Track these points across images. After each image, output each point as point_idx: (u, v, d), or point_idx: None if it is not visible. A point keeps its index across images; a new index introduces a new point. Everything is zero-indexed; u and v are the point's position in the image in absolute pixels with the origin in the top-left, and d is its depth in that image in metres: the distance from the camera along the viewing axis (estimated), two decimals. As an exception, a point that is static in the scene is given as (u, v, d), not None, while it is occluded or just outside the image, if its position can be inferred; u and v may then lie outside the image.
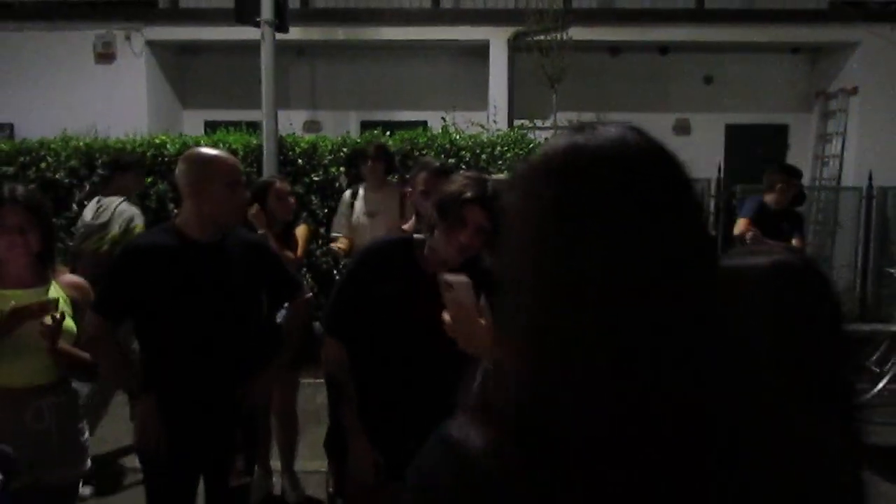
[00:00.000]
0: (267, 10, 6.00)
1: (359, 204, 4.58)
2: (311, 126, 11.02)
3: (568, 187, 0.73)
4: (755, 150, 10.85)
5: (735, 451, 0.68)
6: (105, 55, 10.03)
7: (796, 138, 10.97)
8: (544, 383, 0.69)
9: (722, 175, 7.06)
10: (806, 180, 10.25)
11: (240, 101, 10.40)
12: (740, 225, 4.79)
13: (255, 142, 6.55)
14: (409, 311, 2.37)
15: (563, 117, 10.43)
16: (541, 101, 9.57)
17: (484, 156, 6.42)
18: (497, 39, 9.89)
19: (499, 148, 6.48)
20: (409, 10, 10.00)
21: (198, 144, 6.60)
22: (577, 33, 9.53)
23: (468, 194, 2.31)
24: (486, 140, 6.57)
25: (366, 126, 10.74)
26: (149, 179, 6.26)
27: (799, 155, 10.80)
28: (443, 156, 6.35)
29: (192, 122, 11.09)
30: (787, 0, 9.99)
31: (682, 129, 10.97)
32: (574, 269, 0.70)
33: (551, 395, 0.68)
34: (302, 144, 6.56)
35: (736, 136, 10.95)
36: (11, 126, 10.12)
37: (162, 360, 2.58)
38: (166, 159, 6.43)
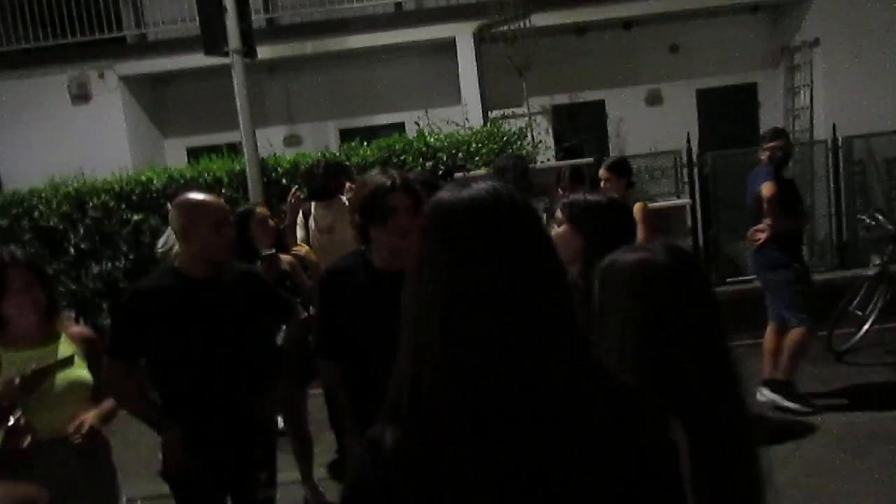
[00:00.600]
0: (234, 40, 6.18)
1: (311, 221, 4.80)
2: (291, 141, 11.21)
3: (429, 234, 0.99)
4: (727, 113, 11.06)
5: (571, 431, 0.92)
6: (81, 96, 10.18)
7: (766, 95, 11.16)
8: (418, 385, 0.91)
9: (690, 145, 7.25)
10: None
11: (218, 125, 10.56)
12: (768, 188, 4.87)
13: (237, 167, 6.74)
14: (379, 317, 2.56)
15: (537, 103, 10.67)
16: (512, 90, 9.75)
17: (461, 154, 6.62)
18: (462, 35, 10.05)
19: (474, 145, 6.67)
20: (373, 16, 10.15)
21: (184, 178, 6.79)
22: (541, 19, 9.70)
23: (387, 184, 2.49)
24: (460, 138, 6.76)
25: (345, 134, 10.92)
26: (139, 216, 6.45)
27: (770, 111, 11.02)
28: (421, 159, 6.55)
29: (174, 151, 11.26)
30: (741, -38, 10.18)
31: (654, 99, 11.16)
32: (427, 297, 0.95)
33: (423, 393, 0.91)
34: (284, 164, 6.74)
35: (707, 101, 11.15)
36: (-2, 175, 10.29)
37: (177, 391, 2.80)
38: (155, 194, 6.62)
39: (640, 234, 4.78)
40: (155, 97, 11.20)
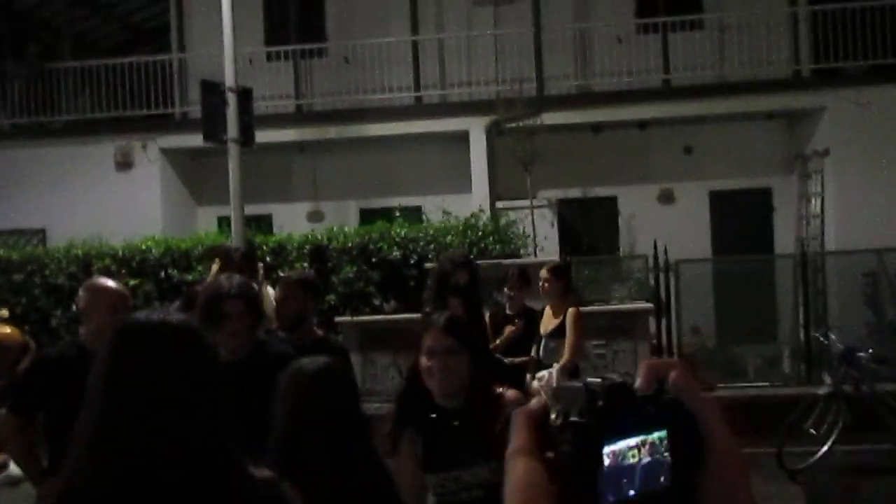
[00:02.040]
0: (233, 129, 6.81)
1: None
2: (314, 216, 11.82)
3: (115, 348, 1.35)
4: (741, 216, 11.10)
5: None
6: (124, 164, 11.12)
7: (781, 200, 11.17)
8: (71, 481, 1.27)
9: (657, 250, 7.38)
10: (792, 240, 10.50)
11: (248, 197, 11.29)
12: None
13: (229, 241, 7.26)
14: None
15: (546, 195, 11.02)
16: (520, 182, 10.13)
17: (433, 246, 6.97)
18: (475, 128, 10.57)
19: (449, 237, 7.02)
20: (392, 107, 10.81)
21: (179, 249, 7.37)
22: (554, 117, 10.15)
23: (223, 291, 2.86)
24: (436, 231, 7.12)
25: (365, 213, 11.50)
26: (136, 281, 7.02)
27: (784, 217, 11.01)
28: (396, 248, 6.94)
29: (207, 218, 12.05)
30: (754, 70, 10.42)
31: (667, 198, 11.32)
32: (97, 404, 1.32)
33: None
34: (270, 243, 7.24)
35: (720, 203, 11.23)
36: (44, 231, 11.23)
37: (64, 453, 3.15)
38: (152, 262, 7.21)
39: (570, 338, 4.97)
40: (192, 168, 12.08)
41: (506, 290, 5.27)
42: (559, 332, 4.95)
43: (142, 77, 11.24)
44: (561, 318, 4.98)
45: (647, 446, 0.64)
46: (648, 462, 0.64)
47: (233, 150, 6.79)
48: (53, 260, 7.47)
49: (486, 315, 5.12)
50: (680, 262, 7.13)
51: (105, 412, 1.30)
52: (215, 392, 1.38)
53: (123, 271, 7.27)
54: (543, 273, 5.17)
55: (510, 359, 4.90)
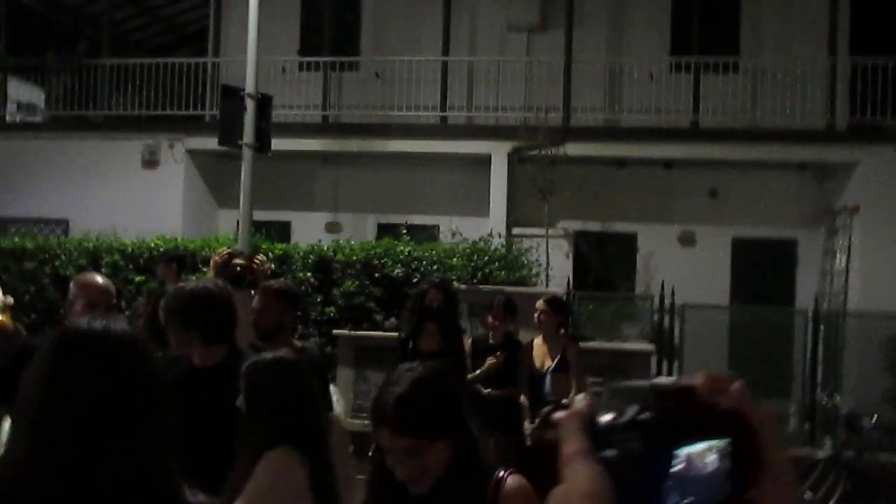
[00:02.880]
0: (249, 135, 6.84)
1: None
2: (332, 227, 11.84)
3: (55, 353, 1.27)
4: (763, 265, 10.85)
5: None
6: (150, 162, 11.28)
7: (806, 253, 10.89)
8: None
9: (664, 291, 7.17)
10: (812, 295, 10.21)
11: (270, 203, 11.38)
12: None
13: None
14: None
15: (564, 226, 10.90)
16: (540, 210, 10.03)
17: (436, 266, 6.90)
18: (498, 153, 10.52)
19: (455, 259, 6.94)
20: (418, 125, 10.82)
21: (186, 249, 7.40)
22: (578, 148, 10.06)
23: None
24: (442, 252, 7.05)
25: (382, 228, 11.48)
26: (142, 277, 7.06)
27: (808, 270, 10.72)
28: (400, 265, 6.89)
29: (227, 221, 12.13)
30: (787, 119, 10.22)
31: (687, 240, 11.12)
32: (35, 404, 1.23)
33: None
34: (275, 251, 7.23)
35: (743, 250, 10.98)
36: (67, 222, 11.40)
37: None
38: (156, 259, 7.24)
39: (577, 372, 4.87)
40: (216, 171, 12.21)
41: (490, 318, 5.09)
42: (562, 366, 4.82)
43: (175, 78, 11.42)
44: (559, 352, 4.86)
45: (714, 452, 0.64)
46: (715, 469, 0.63)
47: (247, 154, 6.82)
48: (65, 251, 7.54)
49: (469, 341, 5.03)
50: (687, 306, 6.94)
51: (38, 425, 1.21)
52: (157, 410, 1.30)
53: (130, 266, 7.32)
54: (540, 304, 5.02)
55: (489, 390, 4.75)
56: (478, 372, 4.76)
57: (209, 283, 3.06)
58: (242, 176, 6.99)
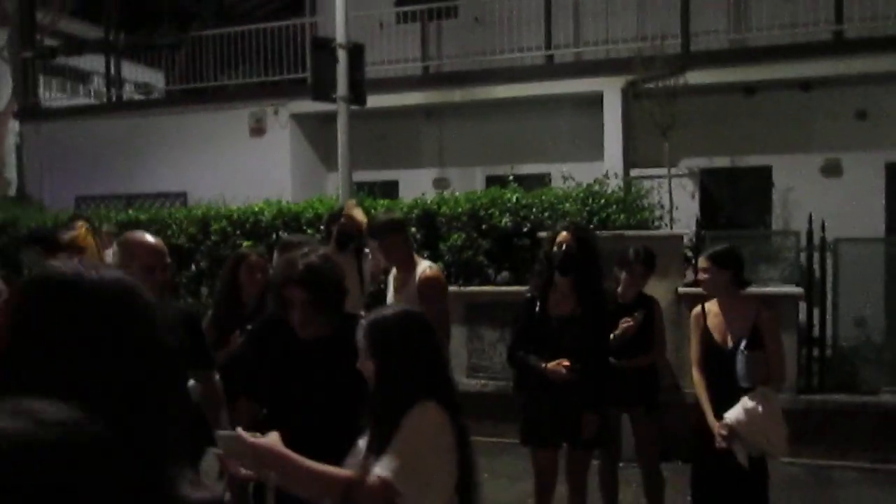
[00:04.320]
0: (342, 87, 6.54)
1: None
2: (440, 183, 11.50)
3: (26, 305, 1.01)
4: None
5: None
6: (257, 129, 11.34)
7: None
8: None
9: (812, 226, 6.21)
10: None
11: (378, 163, 11.21)
12: None
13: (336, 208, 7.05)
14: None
15: (691, 164, 9.98)
16: (661, 148, 9.22)
17: (547, 214, 6.38)
18: (610, 90, 9.73)
19: (567, 205, 6.39)
20: (522, 67, 10.19)
21: (292, 213, 7.28)
22: (701, 76, 9.12)
23: (286, 275, 2.56)
24: (552, 198, 6.52)
25: (491, 180, 11.01)
26: (249, 243, 7.00)
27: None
28: (508, 215, 6.42)
29: (336, 184, 12.06)
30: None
31: (832, 170, 9.91)
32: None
33: None
34: (378, 208, 6.94)
35: (899, 176, 9.67)
36: (185, 194, 11.73)
37: None
38: (264, 225, 7.17)
39: (774, 348, 3.70)
40: (322, 134, 12.13)
41: (623, 273, 4.25)
42: (756, 340, 3.57)
43: (276, 43, 11.35)
44: (750, 321, 3.62)
45: None
46: None
47: (342, 108, 6.53)
48: (175, 221, 7.62)
49: None
50: (840, 241, 6.05)
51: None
52: (147, 378, 1.01)
53: (238, 232, 7.29)
54: (703, 262, 3.79)
55: (624, 361, 4.10)
56: (610, 337, 4.01)
57: (321, 256, 2.72)
58: (339, 131, 6.72)
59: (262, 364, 2.76)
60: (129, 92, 13.68)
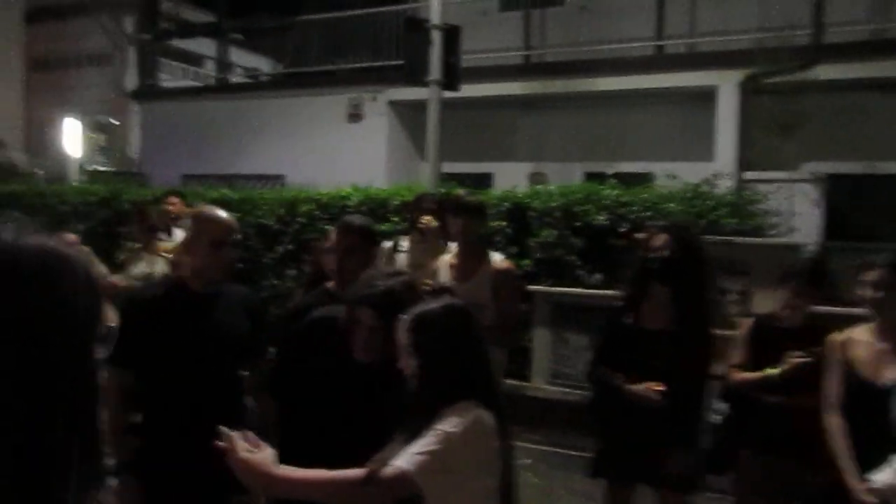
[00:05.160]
0: (435, 71, 6.25)
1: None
2: (535, 178, 11.07)
3: None
4: None
5: None
6: (355, 115, 11.29)
7: None
8: None
9: None
10: None
11: (472, 154, 10.92)
12: None
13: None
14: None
15: (815, 168, 9.09)
16: (780, 149, 8.44)
17: (649, 213, 5.87)
18: (726, 84, 9.00)
19: (671, 205, 5.86)
20: (630, 58, 9.60)
21: (377, 199, 7.09)
22: (833, 71, 8.27)
23: (361, 294, 2.33)
24: (655, 197, 6.01)
25: (590, 177, 10.48)
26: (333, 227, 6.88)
27: None
28: (605, 212, 5.97)
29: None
30: None
31: (981, 180, 8.79)
32: None
33: None
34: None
35: None
36: (283, 176, 11.85)
37: (160, 406, 2.77)
38: (350, 210, 7.01)
39: None
40: (418, 122, 11.94)
41: (788, 294, 3.36)
42: None
43: (378, 29, 11.26)
44: None
45: None
46: None
47: (433, 93, 6.24)
48: (265, 202, 7.60)
49: (749, 323, 3.50)
50: None
51: None
52: (51, 373, 0.81)
53: (325, 216, 7.18)
54: (873, 275, 2.92)
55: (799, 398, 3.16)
56: (774, 371, 3.20)
57: (403, 284, 2.45)
58: (429, 116, 6.45)
59: (301, 369, 2.54)
60: (237, 76, 14.00)
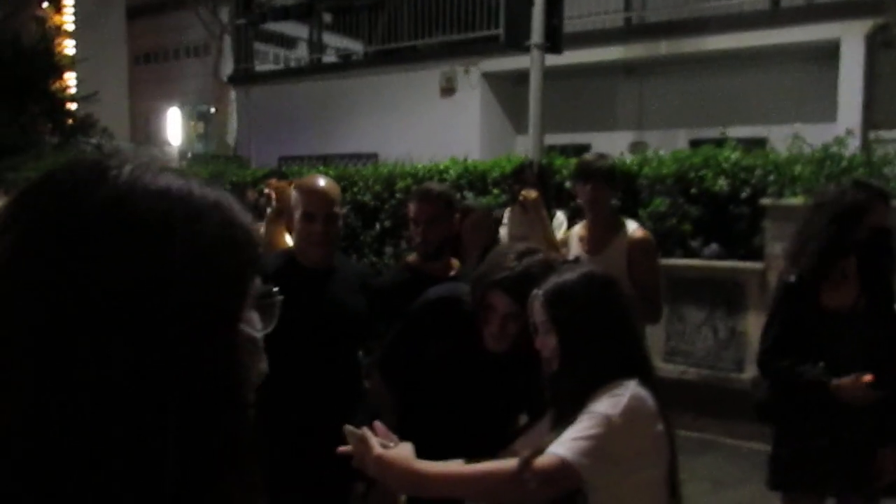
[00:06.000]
0: (537, 34, 5.97)
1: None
2: (636, 147, 10.59)
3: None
4: None
5: None
6: (448, 89, 11.11)
7: None
8: None
9: None
10: None
11: (570, 125, 10.54)
12: None
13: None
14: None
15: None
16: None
17: (772, 177, 5.41)
18: (850, 37, 8.25)
19: (797, 168, 5.39)
20: (740, 14, 8.96)
21: (476, 170, 6.90)
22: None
23: (494, 277, 2.06)
24: (779, 159, 5.53)
25: (694, 145, 9.93)
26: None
27: None
28: (723, 177, 5.54)
29: (525, 148, 11.58)
30: None
31: None
32: None
33: None
34: (571, 167, 6.32)
35: None
36: (376, 154, 11.84)
37: (274, 398, 2.68)
38: (448, 183, 6.86)
39: None
40: (513, 94, 11.64)
41: None
42: None
43: (467, 1, 10.99)
44: None
45: None
46: None
47: (535, 58, 5.96)
48: (362, 178, 7.54)
49: None
50: None
51: None
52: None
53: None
54: None
55: None
56: None
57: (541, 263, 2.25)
58: (531, 84, 6.17)
59: (419, 353, 2.36)
60: (330, 57, 14.09)
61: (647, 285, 3.31)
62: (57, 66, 18.19)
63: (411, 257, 3.07)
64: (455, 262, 3.01)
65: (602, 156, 3.51)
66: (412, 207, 2.95)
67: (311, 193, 2.65)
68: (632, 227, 3.46)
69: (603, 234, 3.43)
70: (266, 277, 2.38)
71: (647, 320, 3.48)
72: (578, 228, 3.59)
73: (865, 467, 2.68)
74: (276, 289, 0.79)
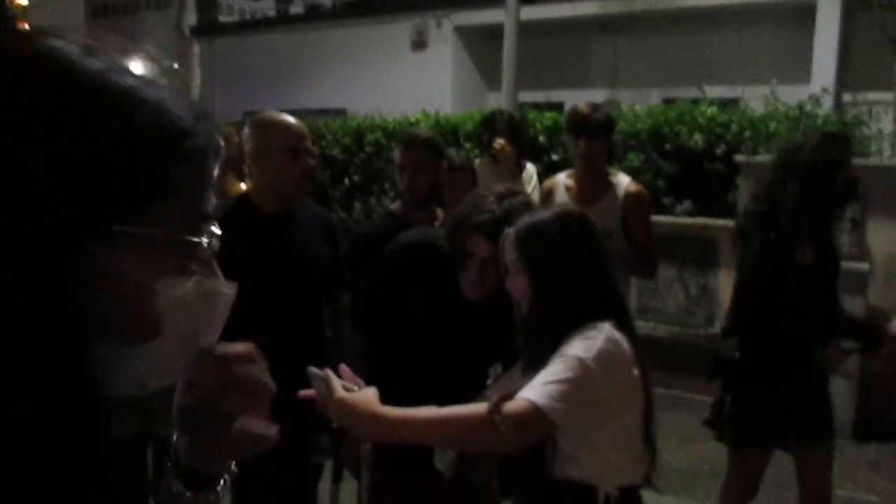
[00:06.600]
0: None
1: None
2: (609, 106, 10.48)
3: None
4: None
5: None
6: (419, 43, 10.83)
7: None
8: None
9: None
10: None
11: (541, 82, 10.37)
12: None
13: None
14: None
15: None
16: (889, 70, 7.67)
17: (748, 133, 5.35)
18: (827, -3, 8.20)
19: (773, 124, 5.33)
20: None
21: (448, 123, 6.73)
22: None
23: (473, 220, 1.94)
24: (754, 115, 5.47)
25: (668, 104, 9.86)
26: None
27: None
28: (698, 132, 5.46)
29: (497, 103, 11.38)
30: None
31: None
32: None
33: None
34: (545, 122, 6.22)
35: None
36: (345, 110, 11.55)
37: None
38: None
39: None
40: (486, 49, 11.40)
41: None
42: None
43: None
44: None
45: None
46: None
47: (511, 9, 5.78)
48: (330, 131, 7.33)
49: None
50: None
51: None
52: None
53: (392, 144, 6.87)
54: None
55: None
56: None
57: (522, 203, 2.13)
58: (506, 35, 6.01)
59: (393, 302, 2.23)
60: (297, 8, 13.64)
61: (642, 239, 3.25)
62: (9, 16, 17.38)
63: (395, 205, 2.96)
64: (440, 212, 2.89)
65: (596, 107, 3.36)
66: (397, 154, 2.86)
67: (291, 126, 2.49)
68: (625, 180, 3.35)
69: (595, 187, 3.31)
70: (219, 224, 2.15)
71: (644, 274, 3.48)
72: (563, 177, 3.46)
73: (813, 422, 2.79)
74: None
